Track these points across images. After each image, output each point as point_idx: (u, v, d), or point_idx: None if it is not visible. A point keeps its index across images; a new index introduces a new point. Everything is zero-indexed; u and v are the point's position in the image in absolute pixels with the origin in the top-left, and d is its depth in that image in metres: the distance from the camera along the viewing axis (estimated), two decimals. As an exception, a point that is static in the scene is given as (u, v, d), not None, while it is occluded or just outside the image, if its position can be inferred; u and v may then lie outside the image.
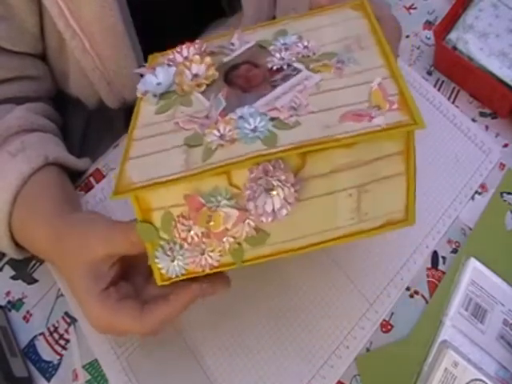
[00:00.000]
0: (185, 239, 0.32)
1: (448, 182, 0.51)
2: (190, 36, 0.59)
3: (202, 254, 0.33)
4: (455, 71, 0.56)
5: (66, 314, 0.47)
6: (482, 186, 0.52)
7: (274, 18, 0.59)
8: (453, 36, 0.55)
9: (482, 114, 0.56)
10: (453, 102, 0.56)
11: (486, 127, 0.55)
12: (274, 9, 0.59)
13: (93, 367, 0.45)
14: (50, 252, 0.41)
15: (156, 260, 0.33)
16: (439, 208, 0.50)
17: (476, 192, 0.51)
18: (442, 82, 0.57)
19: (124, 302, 0.36)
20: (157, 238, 0.33)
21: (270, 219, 0.30)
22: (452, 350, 0.42)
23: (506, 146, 0.54)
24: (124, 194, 0.31)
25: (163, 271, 0.34)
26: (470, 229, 0.50)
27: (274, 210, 0.30)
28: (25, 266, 0.50)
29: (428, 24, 0.61)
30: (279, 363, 0.44)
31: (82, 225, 0.39)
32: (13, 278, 0.50)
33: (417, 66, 0.58)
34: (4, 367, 0.42)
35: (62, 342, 0.46)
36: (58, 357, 0.46)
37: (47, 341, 0.47)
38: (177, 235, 0.32)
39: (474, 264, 0.47)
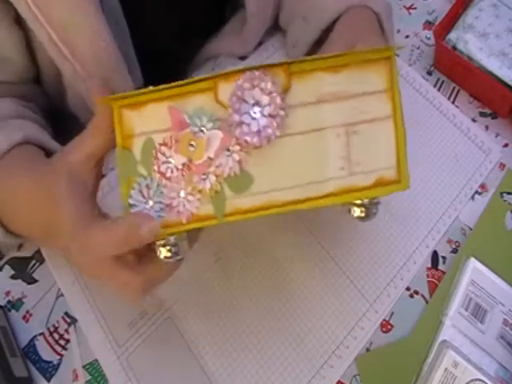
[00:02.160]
0: (164, 174, 0.30)
1: (448, 182, 0.51)
2: (192, 50, 0.59)
3: (180, 196, 0.31)
4: (455, 71, 0.56)
5: (66, 314, 0.47)
6: (482, 186, 0.52)
7: (277, 17, 0.59)
8: (453, 36, 0.55)
9: (482, 114, 0.56)
10: (453, 102, 0.56)
11: (486, 127, 0.55)
12: (278, 8, 0.58)
13: (93, 367, 0.45)
14: (32, 191, 0.38)
15: (130, 201, 0.31)
16: (439, 208, 0.50)
17: (476, 192, 0.51)
18: (442, 82, 0.57)
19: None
20: (134, 171, 0.31)
21: (255, 139, 0.29)
22: (452, 350, 0.42)
23: (506, 145, 0.54)
24: (110, 101, 0.31)
25: None
26: (470, 229, 0.50)
27: (259, 129, 0.29)
28: (25, 266, 0.49)
29: (428, 24, 0.61)
30: (279, 363, 0.44)
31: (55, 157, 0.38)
32: (12, 277, 0.49)
33: (417, 66, 0.58)
34: (4, 367, 0.42)
35: (62, 342, 0.46)
36: (58, 357, 0.46)
37: (47, 341, 0.46)
38: (156, 168, 0.30)
39: (474, 264, 0.47)
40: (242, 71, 0.29)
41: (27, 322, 0.47)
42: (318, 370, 0.44)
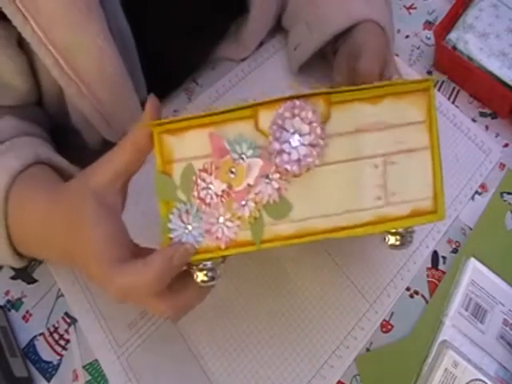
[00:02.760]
0: (203, 199, 0.31)
1: (448, 182, 0.51)
2: (195, 60, 0.58)
3: (219, 221, 0.31)
4: (455, 71, 0.56)
5: (66, 314, 0.47)
6: (482, 186, 0.52)
7: (280, 17, 0.59)
8: (453, 36, 0.55)
9: (482, 114, 0.56)
10: (453, 102, 0.56)
11: (486, 127, 0.55)
12: (281, 8, 0.58)
13: (93, 367, 0.45)
14: (49, 213, 0.38)
15: (168, 226, 0.32)
16: (439, 208, 0.50)
17: (476, 192, 0.51)
18: (442, 82, 0.57)
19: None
20: (173, 196, 0.31)
21: (294, 168, 0.29)
22: (452, 350, 0.42)
23: (506, 145, 0.54)
24: (151, 126, 0.31)
25: (174, 242, 0.32)
26: (470, 229, 0.50)
27: (299, 158, 0.29)
28: (25, 266, 0.49)
29: (428, 24, 0.61)
30: (279, 363, 0.44)
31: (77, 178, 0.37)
32: (12, 277, 0.49)
33: (417, 66, 0.58)
34: (4, 367, 0.42)
35: (62, 342, 0.46)
36: (58, 357, 0.46)
37: (47, 341, 0.46)
38: (195, 194, 0.31)
39: (473, 264, 0.47)
40: (283, 100, 0.30)
41: (27, 322, 0.47)
42: (318, 369, 0.44)
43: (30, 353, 0.46)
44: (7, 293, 0.49)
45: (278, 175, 0.30)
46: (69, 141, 0.52)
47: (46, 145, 0.47)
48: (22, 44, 0.42)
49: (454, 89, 0.57)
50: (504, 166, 0.53)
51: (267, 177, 0.30)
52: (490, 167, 0.52)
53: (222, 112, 0.30)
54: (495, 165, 0.53)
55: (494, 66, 0.53)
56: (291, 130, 0.30)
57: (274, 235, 0.31)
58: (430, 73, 0.58)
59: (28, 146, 0.44)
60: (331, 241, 0.48)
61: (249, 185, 0.30)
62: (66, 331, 0.47)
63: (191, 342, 0.45)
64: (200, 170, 0.31)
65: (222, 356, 0.45)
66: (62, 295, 0.48)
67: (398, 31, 0.60)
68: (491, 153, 0.53)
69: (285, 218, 0.31)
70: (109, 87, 0.44)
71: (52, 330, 0.47)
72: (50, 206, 0.38)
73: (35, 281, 0.49)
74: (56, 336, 0.47)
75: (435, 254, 0.49)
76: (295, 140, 0.29)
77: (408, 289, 0.47)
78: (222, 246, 0.32)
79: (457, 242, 0.49)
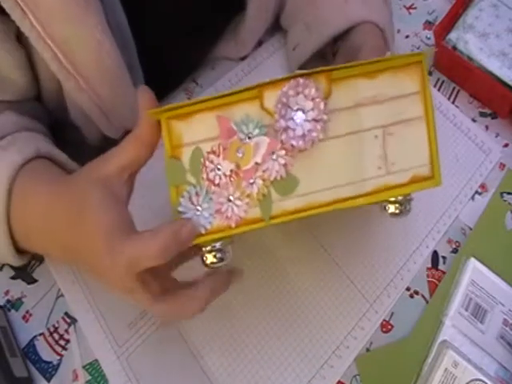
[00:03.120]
0: (212, 181, 0.31)
1: (448, 182, 0.51)
2: (194, 58, 0.58)
3: (229, 200, 0.32)
4: (455, 71, 0.56)
5: (66, 314, 0.47)
6: (482, 186, 0.52)
7: (278, 15, 0.59)
8: (453, 36, 0.55)
9: (482, 114, 0.56)
10: (453, 102, 0.56)
11: (486, 127, 0.55)
12: (279, 7, 0.58)
13: (93, 367, 0.45)
14: (51, 206, 0.37)
15: (179, 209, 0.32)
16: (439, 208, 0.50)
17: (476, 192, 0.51)
18: (442, 81, 0.57)
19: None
20: (183, 179, 0.32)
21: (300, 143, 0.31)
22: (452, 350, 0.42)
23: (506, 145, 0.54)
24: (158, 114, 0.32)
25: None
26: (470, 229, 0.50)
27: (304, 133, 0.30)
28: (24, 266, 0.49)
29: (428, 24, 0.61)
30: (279, 363, 0.44)
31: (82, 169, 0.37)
32: (12, 277, 0.49)
33: (417, 66, 0.58)
34: (4, 367, 0.42)
35: (62, 343, 0.46)
36: (58, 357, 0.46)
37: (47, 341, 0.46)
38: (204, 176, 0.32)
39: (473, 264, 0.47)
40: (287, 79, 0.31)
41: (27, 321, 0.47)
42: (318, 370, 0.44)
43: (29, 353, 0.46)
44: (7, 293, 0.49)
45: (284, 152, 0.31)
46: (68, 137, 0.52)
47: (46, 139, 0.47)
48: (20, 38, 0.43)
49: (454, 89, 0.57)
50: (504, 166, 0.53)
51: (274, 154, 0.31)
52: (490, 167, 0.52)
53: (229, 94, 0.31)
54: (495, 165, 0.53)
55: (494, 66, 0.53)
56: (295, 107, 0.31)
57: (282, 210, 0.32)
58: (429, 73, 0.58)
59: (29, 140, 0.44)
60: (331, 240, 0.48)
61: (256, 163, 0.31)
62: (66, 331, 0.47)
63: (191, 342, 0.45)
64: (208, 153, 0.32)
65: (222, 356, 0.45)
66: (62, 295, 0.48)
67: (398, 31, 0.60)
68: (491, 153, 0.53)
69: (292, 194, 0.32)
70: (107, 81, 0.44)
71: (52, 329, 0.47)
72: (52, 199, 0.38)
73: (35, 281, 0.49)
74: (56, 336, 0.47)
75: (435, 254, 0.49)
76: (300, 116, 0.31)
77: (408, 289, 0.47)
78: (233, 225, 0.32)
79: (457, 242, 0.49)
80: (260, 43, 0.60)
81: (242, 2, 0.53)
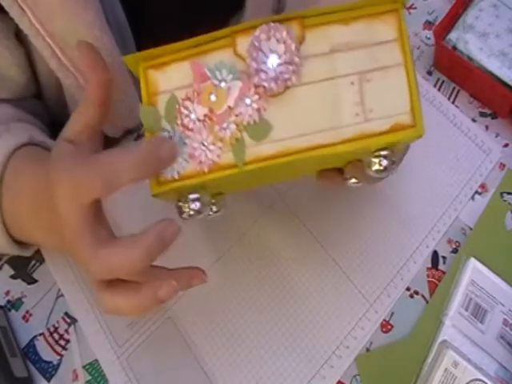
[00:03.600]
0: (186, 126, 0.32)
1: (448, 182, 0.51)
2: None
3: (203, 145, 0.32)
4: (455, 71, 0.56)
5: (66, 314, 0.47)
6: (482, 186, 0.52)
7: (277, 11, 0.58)
8: (453, 36, 0.55)
9: (482, 114, 0.56)
10: (453, 102, 0.56)
11: (486, 127, 0.55)
12: (278, 6, 0.58)
13: (93, 367, 0.45)
14: (37, 189, 0.37)
15: None
16: (439, 208, 0.50)
17: (476, 192, 0.51)
18: (442, 81, 0.57)
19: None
20: (158, 126, 0.32)
21: (272, 84, 0.30)
22: (452, 350, 0.42)
23: (506, 145, 0.54)
24: (134, 64, 0.32)
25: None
26: (470, 229, 0.50)
27: (276, 75, 0.30)
28: (25, 266, 0.49)
29: (428, 24, 0.61)
30: (279, 363, 0.44)
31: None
32: (12, 277, 0.49)
33: (417, 66, 0.58)
34: (4, 367, 0.42)
35: (62, 342, 0.46)
36: (58, 357, 0.46)
37: (47, 341, 0.46)
38: (179, 122, 0.32)
39: (473, 264, 0.47)
40: (259, 24, 0.31)
41: (27, 321, 0.47)
42: (318, 370, 0.44)
43: (30, 353, 0.46)
44: (7, 293, 0.49)
45: (257, 96, 0.31)
46: None
47: (41, 132, 0.46)
48: (19, 36, 0.43)
49: (454, 89, 0.57)
50: (504, 166, 0.53)
51: (247, 98, 0.31)
52: (490, 167, 0.52)
53: (203, 42, 0.32)
54: (495, 165, 0.53)
55: (494, 65, 0.53)
56: (267, 51, 0.31)
57: (255, 156, 0.32)
58: (430, 73, 0.58)
59: (23, 129, 0.44)
60: (331, 240, 0.48)
61: (229, 107, 0.31)
62: (66, 331, 0.47)
63: (191, 341, 0.45)
64: (183, 99, 0.32)
65: (221, 356, 0.45)
66: (62, 295, 0.48)
67: (398, 31, 0.60)
68: (491, 153, 0.53)
69: (265, 139, 0.32)
70: None
71: (52, 330, 0.47)
72: (35, 182, 0.37)
73: (35, 281, 0.49)
74: (56, 336, 0.47)
75: (435, 254, 0.49)
76: (272, 59, 0.31)
77: (408, 289, 0.47)
78: (206, 170, 0.32)
79: (457, 242, 0.49)
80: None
81: (241, 0, 0.53)
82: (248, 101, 0.31)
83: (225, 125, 0.31)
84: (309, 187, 0.50)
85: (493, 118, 0.55)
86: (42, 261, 0.49)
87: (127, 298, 0.32)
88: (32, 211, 0.38)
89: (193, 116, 0.32)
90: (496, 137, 0.54)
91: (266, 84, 0.31)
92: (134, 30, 0.46)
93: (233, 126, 0.31)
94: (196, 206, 0.33)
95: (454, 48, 0.54)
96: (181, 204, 0.33)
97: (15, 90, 0.46)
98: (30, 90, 0.47)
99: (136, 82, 0.48)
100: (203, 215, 0.33)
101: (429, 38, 0.60)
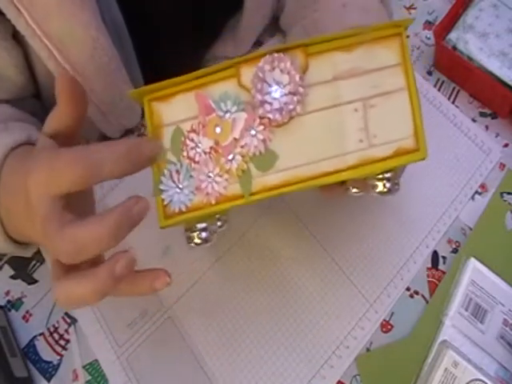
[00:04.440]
0: (192, 158, 0.32)
1: (448, 182, 0.51)
2: (193, 57, 0.58)
3: (209, 177, 0.32)
4: (455, 71, 0.56)
5: (66, 314, 0.47)
6: (482, 186, 0.52)
7: (278, 17, 0.59)
8: (453, 36, 0.55)
9: (482, 114, 0.56)
10: (453, 102, 0.56)
11: (486, 127, 0.55)
12: (278, 6, 0.58)
13: (93, 367, 0.45)
14: (21, 187, 0.35)
15: (161, 187, 0.32)
16: (439, 208, 0.50)
17: (476, 192, 0.51)
18: (442, 82, 0.57)
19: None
20: (164, 158, 0.32)
21: (277, 116, 0.31)
22: (452, 350, 0.42)
23: (506, 145, 0.54)
24: (140, 95, 0.32)
25: (166, 202, 0.32)
26: (470, 229, 0.50)
27: (281, 106, 0.31)
28: (25, 266, 0.50)
29: (428, 24, 0.61)
30: (279, 363, 0.44)
31: None
32: (12, 277, 0.49)
33: (417, 66, 0.58)
34: (4, 367, 0.42)
35: (62, 343, 0.46)
36: (58, 357, 0.46)
37: (47, 341, 0.47)
38: (185, 154, 0.32)
39: (473, 264, 0.47)
40: (263, 55, 0.31)
41: (27, 321, 0.47)
42: (318, 370, 0.44)
43: (30, 353, 0.46)
44: (7, 293, 0.49)
45: (262, 127, 0.31)
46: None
47: (36, 129, 0.46)
48: (17, 37, 0.43)
49: (454, 89, 0.57)
50: (504, 166, 0.53)
51: (252, 129, 0.31)
52: (490, 167, 0.52)
53: (207, 74, 0.32)
54: (495, 165, 0.53)
55: (494, 65, 0.53)
56: (272, 82, 0.31)
57: (262, 186, 0.32)
58: (430, 73, 0.58)
59: (22, 128, 0.44)
60: (331, 240, 0.48)
61: (235, 139, 0.31)
62: (66, 331, 0.47)
63: (191, 341, 0.45)
64: (188, 131, 0.32)
65: (221, 356, 0.45)
66: (62, 295, 0.48)
67: (398, 31, 0.60)
68: (491, 153, 0.53)
69: (271, 169, 0.32)
70: (103, 78, 0.44)
71: (52, 330, 0.47)
72: (21, 181, 0.35)
73: (35, 281, 0.49)
74: (56, 336, 0.47)
75: (435, 254, 0.49)
76: (276, 90, 0.31)
77: (408, 289, 0.47)
78: (213, 201, 0.32)
79: (457, 242, 0.49)
80: (260, 44, 0.60)
81: (240, 0, 0.53)
82: (253, 132, 0.31)
83: (231, 156, 0.31)
84: (309, 187, 0.50)
85: (493, 118, 0.55)
86: (42, 261, 0.49)
87: (84, 283, 0.30)
88: (26, 209, 0.38)
89: (199, 148, 0.32)
90: (496, 137, 0.54)
91: (270, 115, 0.31)
92: (131, 30, 0.46)
93: (239, 158, 0.32)
94: (203, 235, 0.33)
95: (454, 48, 0.54)
96: (188, 234, 0.34)
97: (13, 90, 0.46)
98: (28, 91, 0.47)
99: (133, 81, 0.48)
100: (211, 243, 0.34)
101: (429, 38, 0.60)
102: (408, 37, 0.60)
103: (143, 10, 0.47)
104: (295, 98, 0.31)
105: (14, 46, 0.43)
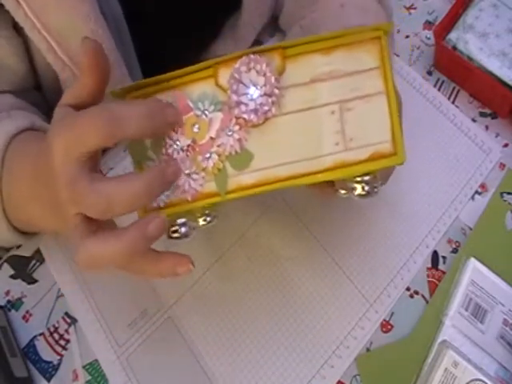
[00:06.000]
0: (170, 155, 0.32)
1: (448, 182, 0.51)
2: (192, 56, 0.58)
3: (186, 175, 0.32)
4: (455, 71, 0.56)
5: (66, 314, 0.47)
6: (482, 186, 0.52)
7: (275, 9, 0.58)
8: (453, 36, 0.55)
9: (482, 114, 0.56)
10: (453, 102, 0.56)
11: (486, 127, 0.55)
12: (277, 5, 0.58)
13: (93, 367, 0.45)
14: (36, 166, 0.35)
15: None
16: (439, 208, 0.50)
17: (476, 192, 0.51)
18: (442, 82, 0.57)
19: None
20: (145, 157, 0.33)
21: (252, 116, 0.31)
22: (452, 350, 0.42)
23: (506, 145, 0.54)
24: (122, 94, 0.33)
25: None
26: (470, 229, 0.50)
27: (256, 107, 0.31)
28: (25, 266, 0.50)
29: (428, 24, 0.61)
30: (279, 363, 0.44)
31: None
32: (12, 277, 0.49)
33: (417, 66, 0.58)
34: (4, 367, 0.42)
35: (62, 342, 0.46)
36: (58, 357, 0.46)
37: (47, 341, 0.46)
38: (163, 151, 0.33)
39: (473, 264, 0.47)
40: (240, 56, 0.31)
41: (27, 321, 0.47)
42: (318, 370, 0.44)
43: (30, 353, 0.46)
44: (7, 293, 0.49)
45: (238, 127, 0.32)
46: None
47: (39, 118, 0.46)
48: (17, 28, 0.43)
49: (454, 89, 0.57)
50: (504, 165, 0.53)
51: (228, 129, 0.32)
52: (490, 167, 0.52)
53: (186, 73, 0.32)
54: (495, 165, 0.53)
55: (494, 65, 0.53)
56: (248, 83, 0.31)
57: (237, 185, 0.32)
58: (430, 73, 0.58)
59: (25, 115, 0.44)
60: (331, 240, 0.48)
61: (211, 138, 0.32)
62: (66, 331, 0.47)
63: (191, 341, 0.45)
64: None
65: (222, 356, 0.45)
66: (62, 295, 0.48)
67: (398, 31, 0.60)
68: (491, 153, 0.53)
69: (247, 169, 0.32)
70: None
71: (52, 329, 0.47)
72: (38, 156, 0.35)
73: (35, 281, 0.49)
74: (56, 336, 0.47)
75: (435, 254, 0.49)
76: (252, 91, 0.31)
77: (408, 289, 0.47)
78: (189, 198, 0.33)
79: (457, 242, 0.49)
80: (260, 43, 0.60)
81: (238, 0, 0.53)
82: (229, 132, 0.32)
83: (207, 155, 0.32)
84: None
85: (493, 118, 0.55)
86: (42, 261, 0.49)
87: (113, 241, 0.29)
88: (32, 191, 0.37)
89: (177, 146, 0.32)
90: (496, 137, 0.54)
91: (246, 116, 0.31)
92: (131, 28, 0.46)
93: (215, 157, 0.32)
94: (183, 230, 0.34)
95: (454, 48, 0.54)
96: (169, 228, 0.34)
97: (15, 80, 0.46)
98: (29, 82, 0.48)
99: (132, 75, 0.48)
100: (190, 238, 0.34)
101: (429, 38, 0.60)
102: (408, 37, 0.60)
103: (143, 8, 0.47)
104: (270, 100, 0.31)
105: (14, 35, 0.43)
